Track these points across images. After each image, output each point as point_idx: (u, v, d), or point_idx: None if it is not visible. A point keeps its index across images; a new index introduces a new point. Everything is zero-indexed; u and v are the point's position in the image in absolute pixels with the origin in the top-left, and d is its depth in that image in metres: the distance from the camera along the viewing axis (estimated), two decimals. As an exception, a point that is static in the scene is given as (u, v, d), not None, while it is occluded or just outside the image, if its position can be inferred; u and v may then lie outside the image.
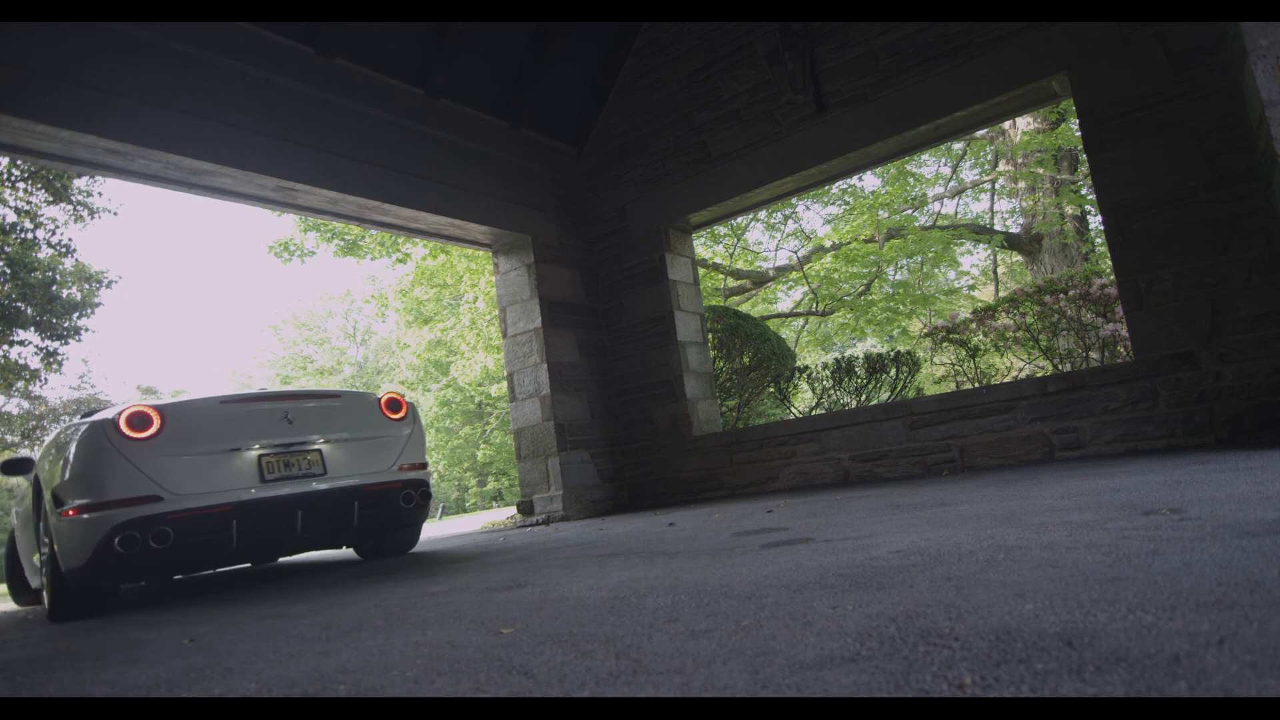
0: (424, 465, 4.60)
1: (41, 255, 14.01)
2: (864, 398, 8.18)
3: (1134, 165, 5.01)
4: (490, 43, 7.06)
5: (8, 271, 13.42)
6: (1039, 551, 1.84)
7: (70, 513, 3.56)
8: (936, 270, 16.44)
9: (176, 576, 5.73)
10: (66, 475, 3.64)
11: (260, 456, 3.90)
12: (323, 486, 4.02)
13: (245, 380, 42.60)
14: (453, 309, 19.61)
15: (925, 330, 8.84)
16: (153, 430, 3.70)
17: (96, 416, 3.79)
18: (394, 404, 4.56)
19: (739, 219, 13.69)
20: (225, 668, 1.81)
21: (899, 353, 8.23)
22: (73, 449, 3.68)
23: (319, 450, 4.11)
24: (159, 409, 3.79)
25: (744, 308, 15.06)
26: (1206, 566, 1.45)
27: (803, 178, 6.83)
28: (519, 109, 7.43)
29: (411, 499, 4.37)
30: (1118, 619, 1.19)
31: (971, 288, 19.13)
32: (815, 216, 30.71)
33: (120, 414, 3.67)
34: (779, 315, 16.33)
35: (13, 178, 12.64)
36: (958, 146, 14.65)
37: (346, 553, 6.46)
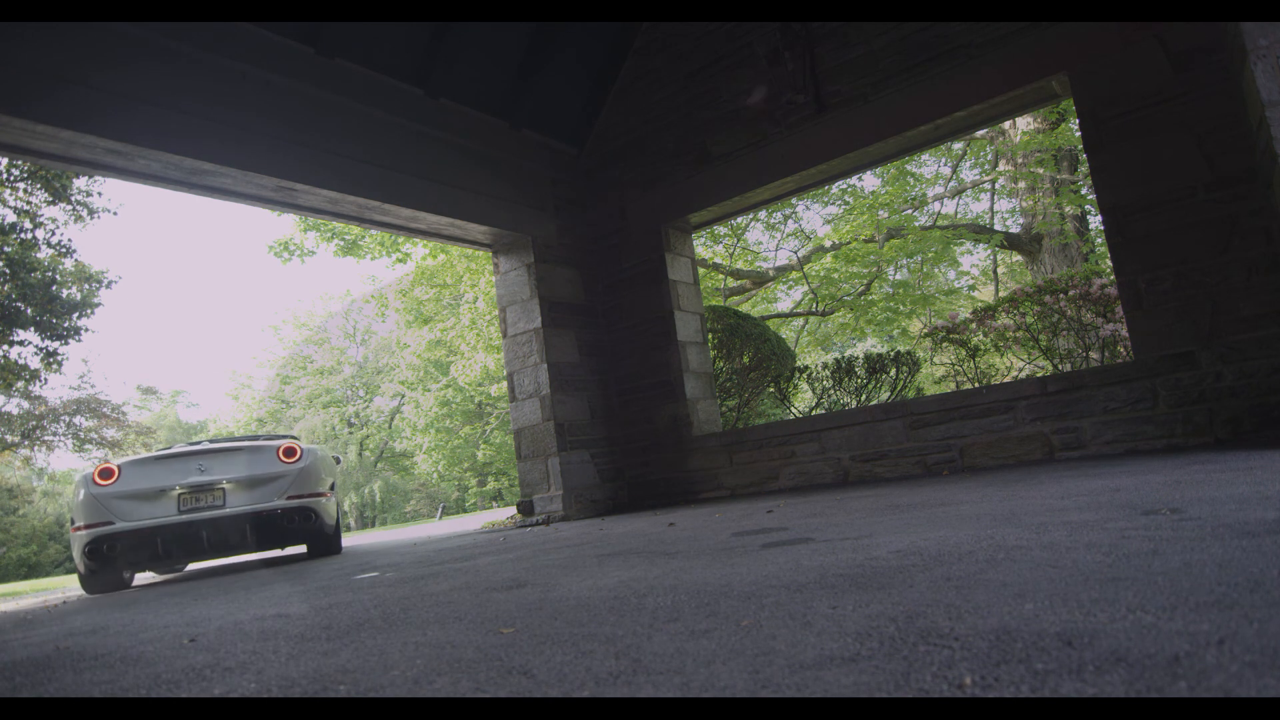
0: (314, 495, 5.93)
1: (41, 255, 13.99)
2: (864, 398, 8.18)
3: (1134, 165, 5.01)
4: (490, 42, 7.06)
5: (8, 271, 13.40)
6: (1039, 551, 1.84)
7: (73, 530, 5.52)
8: (936, 270, 16.43)
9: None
10: (72, 506, 5.59)
11: (179, 494, 5.56)
12: (222, 513, 5.57)
13: (244, 380, 42.58)
14: (453, 309, 19.61)
15: (925, 330, 8.84)
16: (113, 479, 5.47)
17: (86, 469, 5.62)
18: (290, 451, 5.94)
19: (739, 219, 13.68)
20: (225, 668, 1.80)
21: (899, 353, 8.22)
22: (75, 489, 5.60)
23: (222, 488, 5.66)
24: (118, 465, 5.57)
25: (744, 308, 15.06)
26: (1206, 566, 1.45)
27: (803, 178, 6.83)
28: (519, 109, 7.43)
29: (294, 520, 5.78)
30: (1118, 619, 1.19)
31: (971, 288, 19.12)
32: (815, 216, 30.73)
33: (96, 469, 5.51)
34: (779, 315, 16.32)
35: (12, 178, 12.63)
36: (958, 146, 14.64)
37: (343, 554, 6.55)
